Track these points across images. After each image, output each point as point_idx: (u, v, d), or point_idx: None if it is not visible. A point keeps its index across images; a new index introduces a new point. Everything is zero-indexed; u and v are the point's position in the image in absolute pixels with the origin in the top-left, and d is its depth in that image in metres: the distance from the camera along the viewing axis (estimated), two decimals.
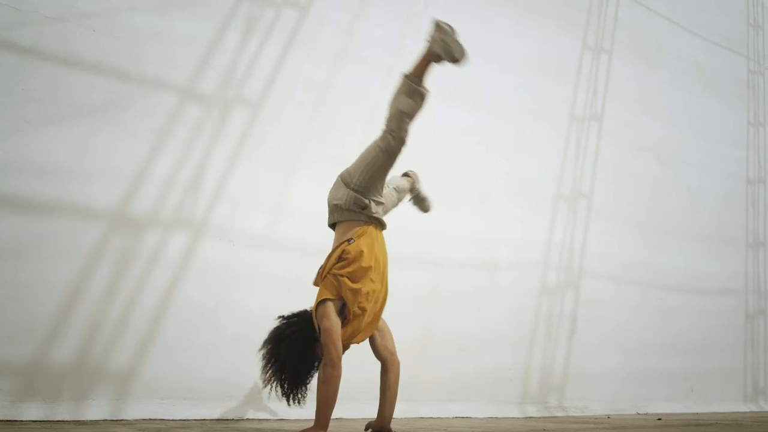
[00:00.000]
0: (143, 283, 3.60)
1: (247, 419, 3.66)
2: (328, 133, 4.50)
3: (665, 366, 6.05)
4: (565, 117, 5.92)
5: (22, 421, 3.06)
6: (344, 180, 2.99)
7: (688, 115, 6.87)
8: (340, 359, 2.70)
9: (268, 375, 2.82)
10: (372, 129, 4.70)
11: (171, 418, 3.45)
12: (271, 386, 2.83)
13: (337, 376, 2.67)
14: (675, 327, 6.20)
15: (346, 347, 2.87)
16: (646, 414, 5.53)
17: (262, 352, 2.86)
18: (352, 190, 2.90)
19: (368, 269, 2.83)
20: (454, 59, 2.98)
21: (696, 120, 6.94)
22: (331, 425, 3.12)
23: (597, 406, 5.40)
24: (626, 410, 5.58)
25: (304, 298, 3.72)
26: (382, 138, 2.95)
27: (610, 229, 5.96)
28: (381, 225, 3.02)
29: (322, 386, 2.67)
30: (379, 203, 2.99)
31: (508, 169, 5.37)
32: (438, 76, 5.13)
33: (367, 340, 3.02)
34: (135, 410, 3.39)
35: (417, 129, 4.94)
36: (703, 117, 7.01)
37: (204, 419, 3.54)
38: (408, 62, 4.97)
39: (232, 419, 3.63)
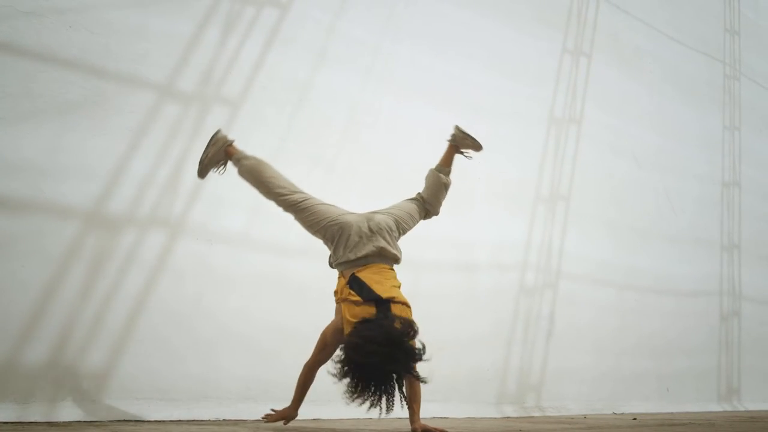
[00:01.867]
0: (118, 283, 3.56)
1: (223, 420, 3.63)
2: (308, 132, 4.49)
3: (640, 366, 6.12)
4: (545, 119, 5.97)
5: None
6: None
7: (665, 118, 6.97)
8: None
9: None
10: (351, 128, 4.73)
11: (146, 418, 3.41)
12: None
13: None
14: (650, 327, 6.29)
15: None
16: (623, 414, 5.60)
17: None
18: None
19: None
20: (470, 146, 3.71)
21: (673, 123, 7.04)
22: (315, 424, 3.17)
23: (574, 406, 5.45)
24: (603, 410, 5.64)
25: (280, 298, 3.71)
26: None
27: (588, 231, 6.02)
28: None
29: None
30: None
31: (487, 171, 5.39)
32: (418, 76, 5.17)
33: None
34: (109, 411, 3.34)
35: (396, 129, 4.98)
36: (680, 120, 7.12)
37: (179, 420, 3.51)
38: (387, 62, 5.01)
39: (208, 420, 3.60)
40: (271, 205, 4.13)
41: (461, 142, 3.64)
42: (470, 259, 5.13)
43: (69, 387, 3.30)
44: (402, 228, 3.39)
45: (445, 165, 3.65)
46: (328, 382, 2.94)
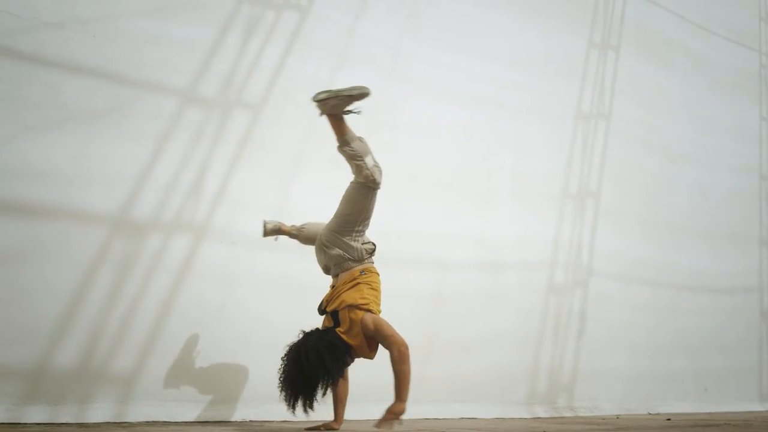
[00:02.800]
0: (145, 287, 3.61)
1: (250, 421, 3.65)
2: (329, 134, 4.47)
3: (676, 365, 5.96)
4: (572, 115, 5.86)
5: (25, 423, 3.08)
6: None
7: (697, 111, 6.78)
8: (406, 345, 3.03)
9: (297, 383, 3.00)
10: (373, 129, 4.71)
11: (173, 420, 3.45)
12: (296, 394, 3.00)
13: (409, 356, 3.00)
14: (685, 325, 6.12)
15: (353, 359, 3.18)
16: (658, 414, 5.45)
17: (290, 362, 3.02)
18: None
19: None
20: (355, 97, 3.23)
21: (706, 116, 6.84)
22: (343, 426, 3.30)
23: (607, 406, 5.34)
24: (637, 410, 5.50)
25: (305, 298, 3.71)
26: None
27: (619, 227, 5.89)
28: None
29: (403, 366, 2.97)
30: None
31: (513, 168, 5.33)
32: (441, 75, 5.14)
33: None
34: (137, 413, 3.40)
35: (420, 129, 4.95)
36: (713, 112, 6.92)
37: (206, 421, 3.55)
38: (409, 62, 4.99)
39: (234, 421, 3.63)
40: (293, 208, 4.17)
41: (331, 107, 3.23)
42: (497, 258, 5.07)
43: (98, 389, 3.37)
44: (332, 230, 3.25)
45: (338, 137, 3.32)
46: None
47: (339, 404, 3.28)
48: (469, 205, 5.04)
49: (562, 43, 5.93)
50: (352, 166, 3.24)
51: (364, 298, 3.08)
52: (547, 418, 4.76)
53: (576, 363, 5.31)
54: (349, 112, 3.24)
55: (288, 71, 4.40)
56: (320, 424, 3.27)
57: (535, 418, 4.74)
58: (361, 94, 3.19)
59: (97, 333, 3.42)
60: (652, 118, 6.39)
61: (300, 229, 3.62)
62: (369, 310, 3.07)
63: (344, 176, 4.51)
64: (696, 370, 6.12)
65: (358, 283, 3.12)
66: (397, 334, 3.03)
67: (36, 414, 3.14)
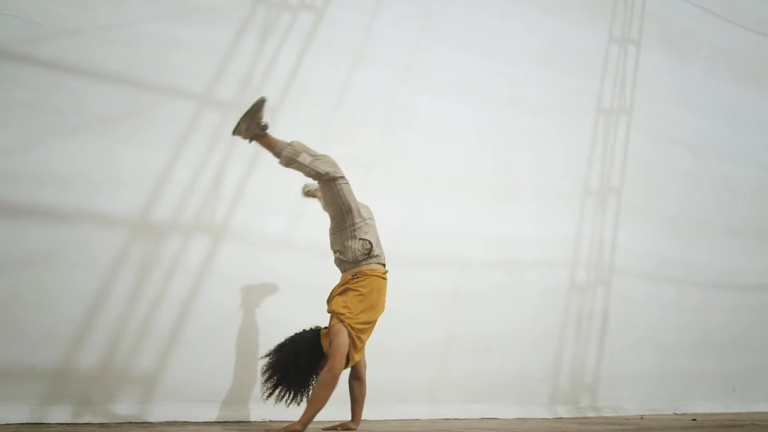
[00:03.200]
0: (165, 288, 3.66)
1: (269, 421, 3.68)
2: (346, 134, 4.50)
3: (702, 365, 5.84)
4: (592, 111, 5.79)
5: (49, 423, 3.14)
6: None
7: (722, 104, 6.64)
8: (341, 372, 2.98)
9: (279, 379, 3.06)
10: (389, 128, 4.72)
11: (193, 420, 3.49)
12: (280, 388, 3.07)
13: (335, 386, 2.94)
14: (712, 324, 6.00)
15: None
16: (684, 414, 5.36)
17: (273, 359, 3.09)
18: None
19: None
20: (255, 109, 3.16)
21: (731, 109, 6.70)
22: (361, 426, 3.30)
23: (631, 407, 5.26)
24: (662, 410, 5.41)
25: (323, 299, 3.73)
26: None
27: (642, 225, 5.80)
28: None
29: (321, 389, 2.89)
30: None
31: (532, 166, 5.28)
32: (457, 73, 5.11)
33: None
34: (158, 413, 3.44)
35: (436, 128, 4.93)
36: (738, 105, 6.77)
37: (226, 421, 3.58)
38: (425, 61, 4.97)
39: (254, 421, 3.66)
40: (312, 207, 4.18)
41: (246, 131, 3.20)
42: (516, 257, 5.03)
43: (120, 389, 3.42)
44: (330, 231, 3.34)
45: (273, 154, 3.25)
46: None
47: (356, 405, 3.29)
48: (486, 204, 5.01)
49: (581, 38, 5.86)
50: (300, 172, 3.21)
51: (345, 307, 3.05)
52: (570, 419, 4.71)
53: (599, 362, 5.24)
54: (264, 126, 3.19)
55: (304, 72, 4.42)
56: (338, 424, 3.28)
57: (557, 418, 4.70)
58: (258, 105, 3.14)
59: (118, 334, 3.47)
60: (674, 113, 6.28)
61: None
62: (342, 321, 3.03)
63: (363, 175, 4.55)
64: (724, 369, 5.99)
65: (347, 289, 3.10)
66: (341, 362, 2.95)
67: (59, 414, 3.20)
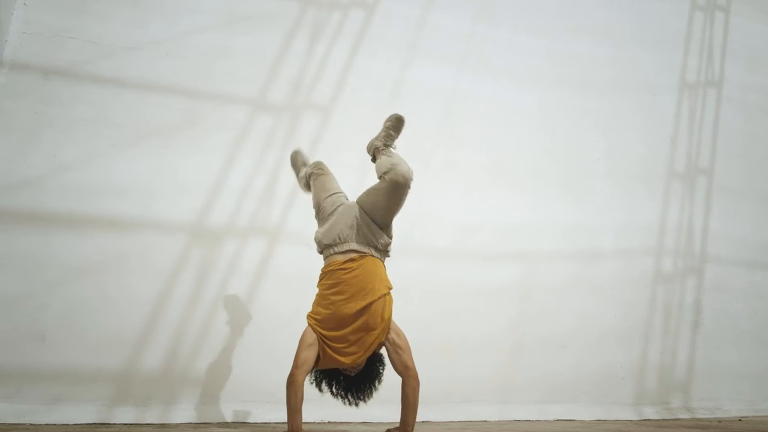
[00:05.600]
0: (223, 291, 3.73)
1: (328, 422, 3.65)
2: (403, 129, 4.39)
3: None
4: (674, 86, 5.34)
5: (113, 424, 3.27)
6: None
7: None
8: (296, 368, 2.76)
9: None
10: (448, 121, 4.57)
11: (252, 421, 3.53)
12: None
13: (292, 385, 2.74)
14: None
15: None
16: None
17: None
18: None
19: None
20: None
21: None
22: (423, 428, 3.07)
23: (731, 407, 4.78)
24: None
25: None
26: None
27: (738, 207, 5.28)
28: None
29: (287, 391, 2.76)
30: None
31: (607, 150, 4.94)
32: (519, 59, 4.87)
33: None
34: (217, 414, 3.50)
35: (500, 117, 4.72)
36: None
37: (285, 422, 3.58)
38: (483, 48, 4.78)
39: (314, 422, 3.64)
40: None
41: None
42: (592, 247, 4.71)
43: (180, 391, 3.51)
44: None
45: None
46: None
47: (402, 407, 3.03)
48: (557, 193, 4.74)
49: (658, 9, 5.43)
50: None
51: (313, 308, 2.93)
52: (659, 420, 4.34)
53: (692, 359, 4.81)
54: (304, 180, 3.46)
55: (356, 70, 4.38)
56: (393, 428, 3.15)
57: (643, 420, 4.34)
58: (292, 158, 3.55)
59: (178, 337, 3.57)
60: None
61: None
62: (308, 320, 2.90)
63: (421, 170, 4.43)
64: None
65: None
66: (296, 358, 2.79)
67: (124, 415, 3.33)
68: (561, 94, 4.93)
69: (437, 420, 3.81)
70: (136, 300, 3.52)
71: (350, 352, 2.81)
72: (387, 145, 3.19)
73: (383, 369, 2.95)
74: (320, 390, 3.00)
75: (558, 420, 4.15)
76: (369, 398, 2.95)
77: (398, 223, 3.34)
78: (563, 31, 5.06)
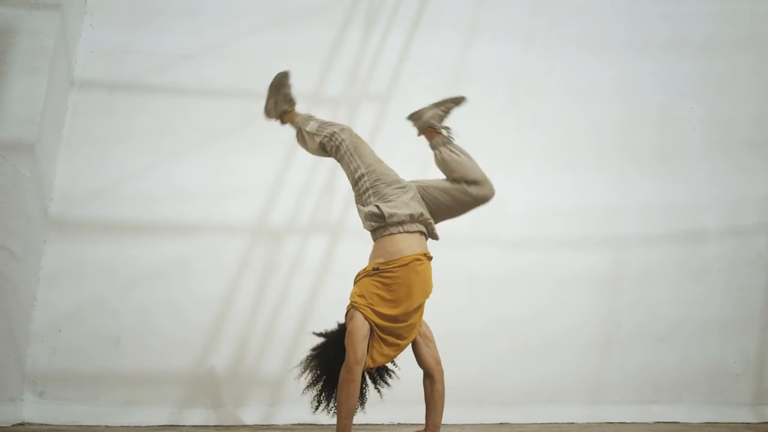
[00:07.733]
0: (287, 290, 3.69)
1: (398, 424, 3.49)
2: (465, 113, 4.14)
3: None
4: None
5: (184, 426, 3.32)
6: None
7: None
8: (357, 364, 2.42)
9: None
10: (513, 101, 4.26)
11: (319, 423, 3.44)
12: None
13: (351, 382, 2.42)
14: None
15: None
16: None
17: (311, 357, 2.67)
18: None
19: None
20: (280, 87, 3.01)
21: None
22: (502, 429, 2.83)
23: None
24: None
25: (442, 294, 3.45)
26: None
27: None
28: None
29: (340, 392, 2.45)
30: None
31: (704, 117, 4.39)
32: (594, 24, 4.45)
33: (410, 346, 2.61)
34: (285, 415, 3.45)
35: (575, 90, 4.33)
36: None
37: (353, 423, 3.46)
38: (552, 18, 4.41)
39: (381, 424, 3.50)
40: None
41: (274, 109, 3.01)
42: (691, 227, 4.19)
43: (249, 392, 3.50)
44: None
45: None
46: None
47: (428, 408, 2.65)
48: (647, 169, 4.27)
49: None
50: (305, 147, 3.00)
51: (360, 296, 2.58)
52: None
53: None
54: (292, 100, 3.08)
55: (413, 55, 4.21)
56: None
57: (763, 422, 3.78)
58: (281, 77, 3.04)
59: (245, 338, 3.57)
60: None
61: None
62: (356, 308, 2.55)
63: (487, 155, 4.15)
64: None
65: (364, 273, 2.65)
66: (353, 352, 2.42)
67: (194, 417, 3.37)
68: (644, 58, 4.47)
69: (516, 422, 3.53)
70: (200, 302, 3.56)
71: (397, 347, 2.56)
72: (445, 128, 2.92)
73: None
74: (378, 391, 2.81)
75: (658, 422, 3.71)
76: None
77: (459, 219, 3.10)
78: None
